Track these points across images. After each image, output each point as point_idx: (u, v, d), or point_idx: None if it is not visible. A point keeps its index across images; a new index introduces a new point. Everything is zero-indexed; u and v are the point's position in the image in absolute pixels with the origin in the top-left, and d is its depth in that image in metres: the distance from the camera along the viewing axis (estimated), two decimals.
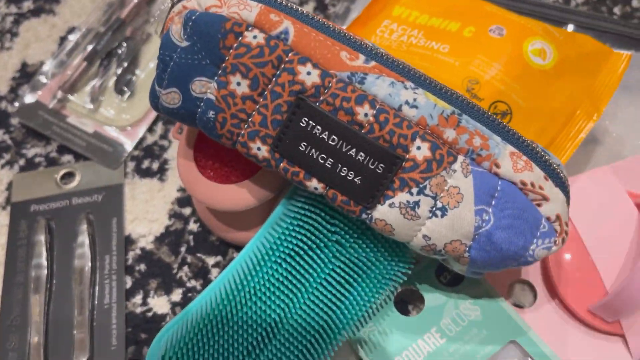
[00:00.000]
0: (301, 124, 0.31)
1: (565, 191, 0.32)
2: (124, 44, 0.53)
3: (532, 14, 0.47)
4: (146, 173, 0.49)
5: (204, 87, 0.32)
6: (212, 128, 0.32)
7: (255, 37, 0.31)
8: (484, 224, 0.30)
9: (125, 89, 0.51)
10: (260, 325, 0.34)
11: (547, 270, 0.40)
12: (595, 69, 0.41)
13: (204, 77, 0.31)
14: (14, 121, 0.52)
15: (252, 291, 0.34)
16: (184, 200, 0.47)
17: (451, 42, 0.41)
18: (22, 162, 0.50)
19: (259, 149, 0.32)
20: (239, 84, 0.31)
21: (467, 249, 0.31)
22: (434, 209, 0.31)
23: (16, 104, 0.51)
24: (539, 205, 0.31)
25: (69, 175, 0.49)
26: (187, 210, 0.47)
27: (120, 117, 0.50)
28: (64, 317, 0.43)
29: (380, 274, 0.36)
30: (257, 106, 0.31)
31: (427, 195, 0.30)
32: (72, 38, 0.54)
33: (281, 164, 0.32)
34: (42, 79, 0.52)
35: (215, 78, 0.31)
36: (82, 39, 0.54)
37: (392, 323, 0.37)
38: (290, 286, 0.34)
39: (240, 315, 0.33)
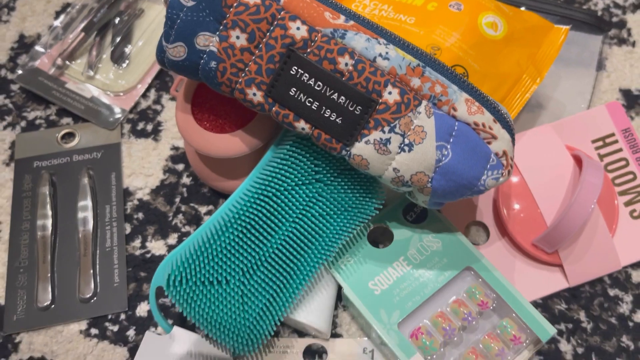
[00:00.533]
0: (291, 72, 0.36)
1: (511, 133, 0.38)
2: (118, 18, 0.58)
3: None
4: (141, 134, 0.53)
5: (207, 41, 0.37)
6: (213, 77, 0.38)
7: None
8: (443, 158, 0.36)
9: (127, 51, 0.55)
10: (253, 250, 0.39)
11: (498, 212, 0.46)
12: (538, 40, 0.47)
13: (207, 31, 0.37)
14: (14, 87, 0.56)
15: (247, 220, 0.39)
16: (177, 157, 0.52)
17: (416, 14, 0.47)
18: (23, 123, 0.54)
19: (254, 94, 0.37)
20: (238, 37, 0.36)
21: (430, 179, 0.37)
22: (402, 145, 0.36)
23: (19, 71, 0.55)
24: (489, 142, 0.37)
25: (68, 135, 0.53)
26: (180, 166, 0.52)
27: (116, 83, 0.55)
28: (69, 258, 0.47)
29: (356, 208, 0.41)
30: (254, 57, 0.37)
31: (396, 133, 0.36)
32: (68, 12, 0.58)
33: (274, 108, 0.37)
34: (40, 49, 0.56)
35: (217, 32, 0.37)
36: (78, 13, 0.58)
37: (365, 254, 0.43)
38: (279, 217, 0.39)
39: (236, 241, 0.39)
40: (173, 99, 0.55)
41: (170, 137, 0.53)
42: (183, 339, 0.41)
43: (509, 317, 0.41)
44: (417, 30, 0.46)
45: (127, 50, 0.56)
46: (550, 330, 0.40)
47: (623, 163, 0.48)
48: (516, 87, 0.46)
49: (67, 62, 0.55)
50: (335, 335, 0.44)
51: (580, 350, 0.43)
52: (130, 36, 0.57)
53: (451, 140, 0.36)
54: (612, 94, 0.54)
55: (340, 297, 0.45)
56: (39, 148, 0.52)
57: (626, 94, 0.54)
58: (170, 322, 0.44)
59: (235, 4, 0.36)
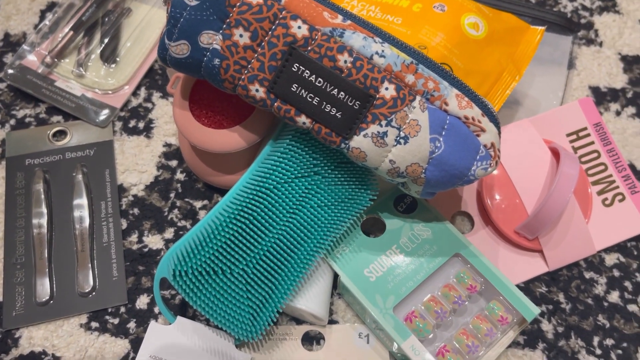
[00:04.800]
0: (293, 68, 0.38)
1: (497, 126, 0.40)
2: (106, 18, 0.58)
3: None
4: (133, 131, 0.54)
5: (210, 39, 0.38)
6: (216, 74, 0.39)
7: None
8: (436, 150, 0.39)
9: (116, 51, 0.56)
10: (255, 240, 0.40)
11: (482, 202, 0.49)
12: (516, 40, 0.50)
13: (211, 30, 0.38)
14: (1, 85, 0.56)
15: (249, 212, 0.40)
16: (170, 154, 0.53)
17: (403, 15, 0.49)
18: (12, 122, 0.54)
19: (257, 90, 0.39)
20: (241, 35, 0.38)
21: (424, 170, 0.39)
22: (398, 137, 0.39)
23: (9, 70, 0.55)
24: (478, 135, 0.39)
25: (60, 133, 0.54)
26: (173, 163, 0.53)
27: (106, 81, 0.55)
28: (66, 254, 0.47)
29: (352, 200, 0.43)
30: (256, 55, 0.38)
31: (393, 127, 0.38)
32: (55, 11, 0.58)
33: (275, 103, 0.39)
34: (28, 47, 0.56)
35: (221, 31, 0.38)
36: (65, 12, 0.59)
37: (360, 243, 0.45)
38: (280, 209, 0.41)
39: (239, 232, 0.40)
40: (164, 97, 0.56)
41: (163, 134, 0.54)
42: (187, 328, 0.42)
43: (496, 299, 0.44)
44: (404, 30, 0.48)
45: (116, 49, 0.57)
46: (535, 310, 0.43)
47: (595, 155, 0.51)
48: (497, 84, 0.49)
49: (56, 60, 0.56)
50: (331, 321, 0.46)
51: (560, 329, 0.46)
52: (118, 35, 0.58)
53: (443, 133, 0.39)
54: (582, 91, 0.57)
55: (335, 286, 0.47)
56: (30, 146, 0.52)
57: (595, 90, 0.57)
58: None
59: (238, 4, 0.38)
